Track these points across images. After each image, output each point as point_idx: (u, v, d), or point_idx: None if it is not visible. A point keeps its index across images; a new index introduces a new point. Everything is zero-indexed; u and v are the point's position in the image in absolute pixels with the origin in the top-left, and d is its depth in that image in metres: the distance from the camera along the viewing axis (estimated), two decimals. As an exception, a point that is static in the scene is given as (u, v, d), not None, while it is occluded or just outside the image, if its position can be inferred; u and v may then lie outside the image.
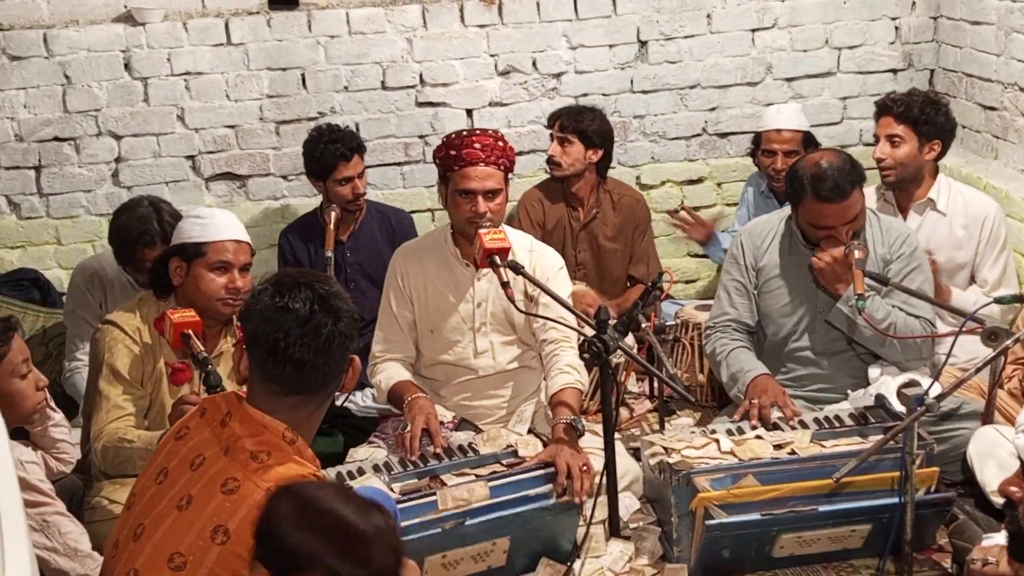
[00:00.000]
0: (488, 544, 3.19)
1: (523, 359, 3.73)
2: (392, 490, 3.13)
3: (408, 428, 3.35)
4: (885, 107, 4.18)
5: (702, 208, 5.44)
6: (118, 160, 5.10)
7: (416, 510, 3.08)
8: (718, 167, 5.57)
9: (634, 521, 3.51)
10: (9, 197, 5.08)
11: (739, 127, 5.48)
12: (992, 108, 5.04)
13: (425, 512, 3.09)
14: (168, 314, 3.29)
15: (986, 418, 3.52)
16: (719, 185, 5.58)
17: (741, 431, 3.43)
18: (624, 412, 4.41)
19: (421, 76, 5.23)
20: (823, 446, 3.33)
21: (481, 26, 5.21)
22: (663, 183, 5.53)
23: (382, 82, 5.22)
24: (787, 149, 4.72)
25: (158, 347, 3.37)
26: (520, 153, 5.03)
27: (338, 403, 4.00)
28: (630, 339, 3.82)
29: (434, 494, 3.13)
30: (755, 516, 3.18)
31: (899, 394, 3.42)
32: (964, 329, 3.29)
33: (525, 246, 3.69)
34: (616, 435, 3.43)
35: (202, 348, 3.25)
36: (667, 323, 4.51)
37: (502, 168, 3.55)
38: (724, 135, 5.53)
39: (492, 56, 5.25)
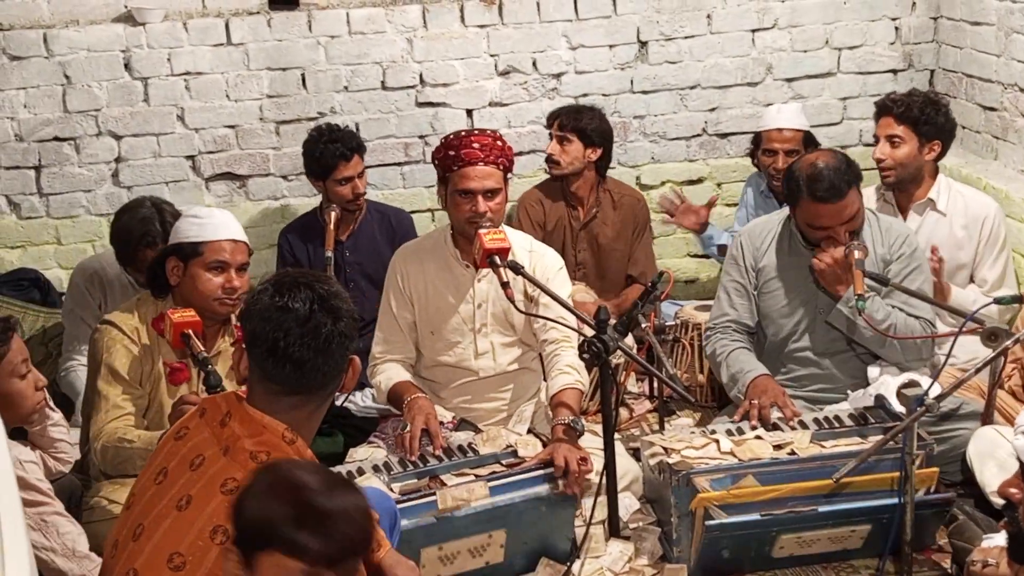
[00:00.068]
0: (484, 537, 3.19)
1: (523, 360, 3.73)
2: (392, 490, 3.13)
3: (408, 428, 3.35)
4: (885, 107, 4.18)
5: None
6: (118, 160, 5.10)
7: (416, 510, 3.09)
8: (718, 167, 5.56)
9: (634, 521, 3.51)
10: (9, 197, 5.08)
11: (739, 127, 5.48)
12: (992, 109, 5.04)
13: (425, 512, 3.09)
14: (168, 314, 3.29)
15: (986, 418, 3.52)
16: (719, 185, 5.57)
17: (741, 431, 3.43)
18: (624, 412, 4.40)
19: (421, 76, 5.22)
20: (823, 446, 3.33)
21: (481, 26, 5.21)
22: (663, 183, 5.52)
23: (382, 82, 5.22)
24: (788, 148, 4.72)
25: (156, 347, 3.37)
26: (520, 153, 5.03)
27: (338, 403, 3.99)
28: (630, 339, 3.81)
29: (434, 494, 3.13)
30: (755, 516, 3.19)
31: (899, 394, 3.41)
32: (964, 330, 3.29)
33: (525, 246, 3.69)
34: (616, 435, 3.43)
35: (202, 348, 3.25)
36: (667, 323, 4.49)
37: (501, 168, 3.55)
38: (724, 135, 5.52)
39: (492, 56, 5.25)
